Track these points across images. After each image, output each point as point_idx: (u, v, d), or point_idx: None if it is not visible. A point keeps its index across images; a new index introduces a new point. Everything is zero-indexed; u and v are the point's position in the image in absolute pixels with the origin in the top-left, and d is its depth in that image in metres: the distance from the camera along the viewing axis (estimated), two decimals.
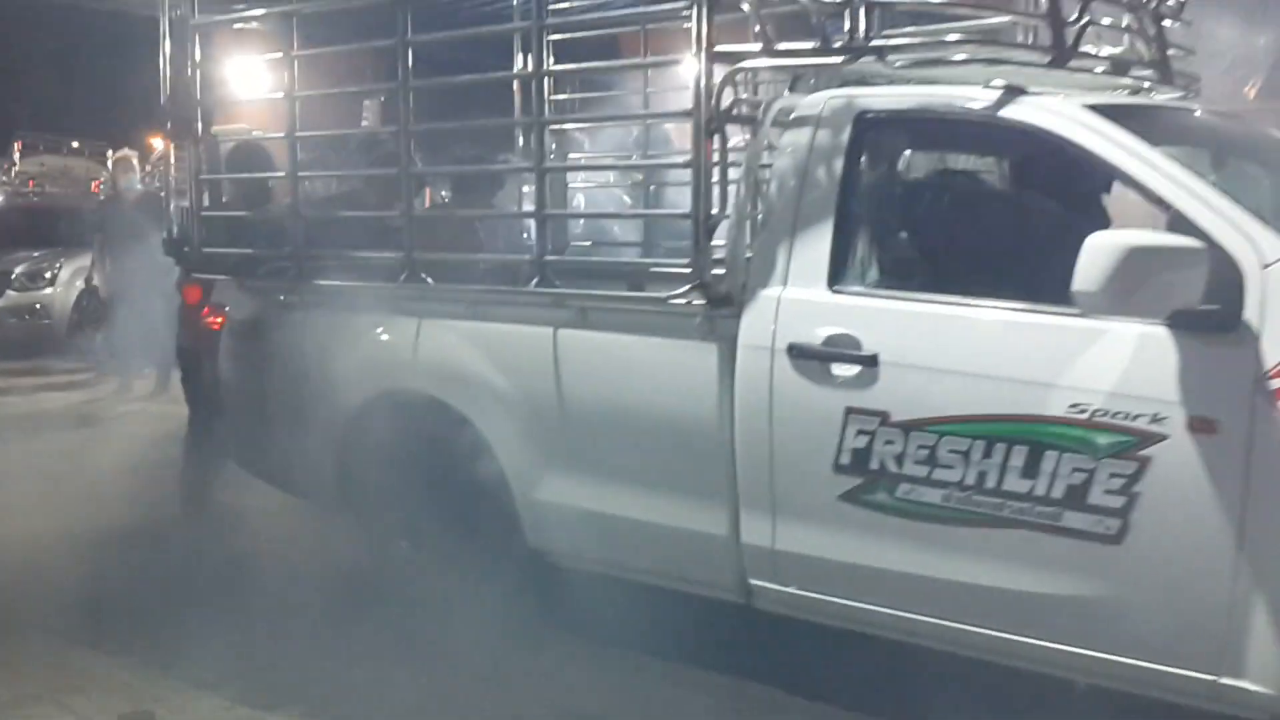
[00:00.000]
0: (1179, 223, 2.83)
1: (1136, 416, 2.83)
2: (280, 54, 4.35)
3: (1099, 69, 3.62)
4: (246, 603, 4.16)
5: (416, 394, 4.15)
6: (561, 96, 4.92)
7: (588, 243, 4.99)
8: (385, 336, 4.26)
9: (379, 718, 3.47)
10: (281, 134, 4.44)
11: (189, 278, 4.94)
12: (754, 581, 3.55)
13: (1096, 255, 2.70)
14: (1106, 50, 3.97)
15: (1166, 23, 3.91)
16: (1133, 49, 3.89)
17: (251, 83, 5.51)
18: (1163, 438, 2.80)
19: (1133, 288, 2.70)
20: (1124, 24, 3.88)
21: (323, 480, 4.41)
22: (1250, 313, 2.74)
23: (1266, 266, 2.75)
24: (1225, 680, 2.80)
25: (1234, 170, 3.49)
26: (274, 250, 4.49)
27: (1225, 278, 2.75)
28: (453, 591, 4.04)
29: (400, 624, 3.97)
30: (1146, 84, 3.84)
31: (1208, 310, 2.75)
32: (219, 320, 4.92)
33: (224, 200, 5.08)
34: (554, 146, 4.87)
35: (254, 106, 4.87)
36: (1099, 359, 2.90)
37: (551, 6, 4.50)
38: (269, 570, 4.41)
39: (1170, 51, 3.98)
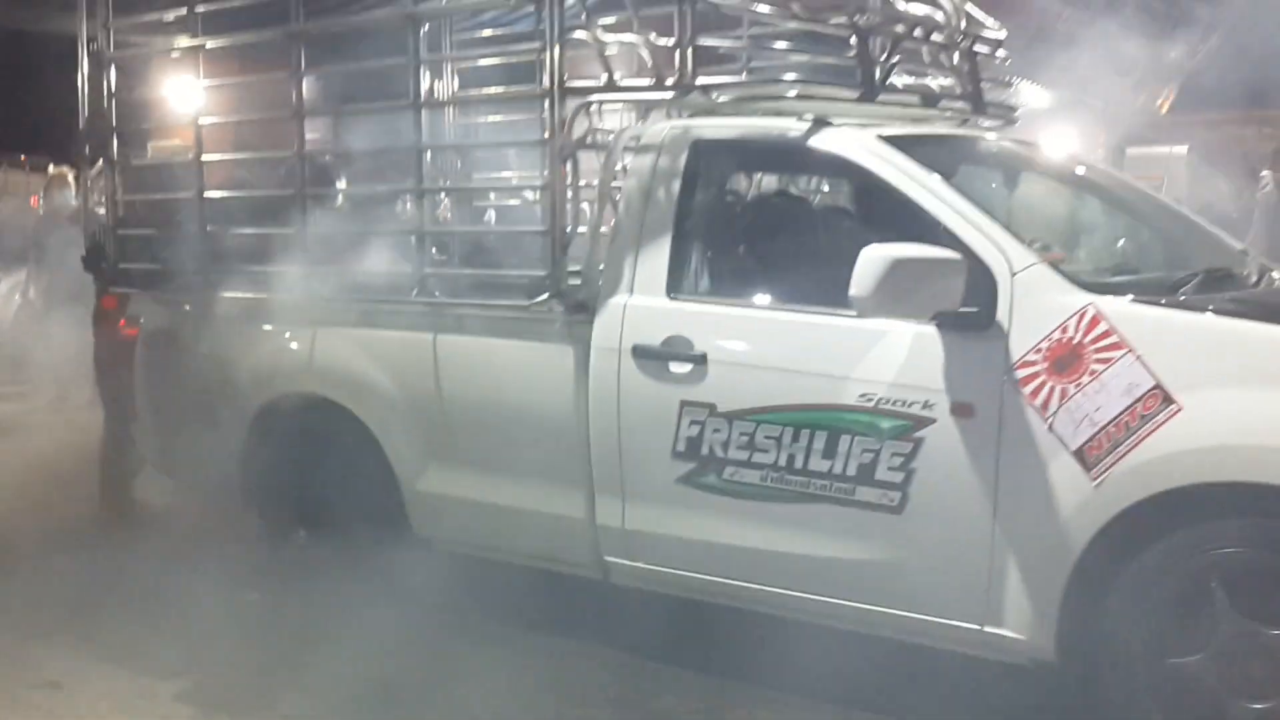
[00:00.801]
0: (945, 237, 3.30)
1: (911, 403, 3.28)
2: (191, 81, 4.76)
3: (910, 102, 4.10)
4: (156, 591, 4.50)
5: (312, 396, 4.55)
6: (465, 121, 5.38)
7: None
8: (283, 344, 4.65)
9: (265, 687, 3.80)
10: (190, 156, 4.84)
11: (106, 290, 5.29)
12: (609, 559, 3.96)
13: (868, 265, 3.16)
14: (933, 81, 4.49)
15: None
16: (954, 82, 4.39)
17: (168, 106, 5.85)
18: (932, 421, 3.26)
19: (900, 293, 3.16)
20: (938, 60, 4.37)
21: (228, 478, 4.78)
22: (1002, 314, 3.20)
23: (1015, 274, 3.22)
24: (989, 629, 3.25)
25: (1021, 188, 3.97)
26: (182, 265, 4.87)
27: (982, 284, 3.22)
28: (346, 577, 4.41)
29: (294, 606, 4.33)
30: (955, 114, 4.32)
31: (967, 312, 3.22)
32: (133, 330, 5.27)
33: (140, 217, 5.43)
34: (459, 166, 5.33)
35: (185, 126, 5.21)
36: (882, 355, 3.35)
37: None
38: (178, 562, 4.74)
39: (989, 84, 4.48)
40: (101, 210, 5.29)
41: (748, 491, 3.58)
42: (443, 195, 4.92)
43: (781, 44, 4.50)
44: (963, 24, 4.61)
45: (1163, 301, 3.18)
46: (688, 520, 3.72)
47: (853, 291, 3.19)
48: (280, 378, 4.64)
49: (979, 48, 4.47)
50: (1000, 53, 4.66)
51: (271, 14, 4.50)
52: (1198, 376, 2.96)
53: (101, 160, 5.14)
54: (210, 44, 4.71)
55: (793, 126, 3.70)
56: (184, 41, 4.78)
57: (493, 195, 5.13)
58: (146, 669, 3.91)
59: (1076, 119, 17.05)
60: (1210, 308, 3.16)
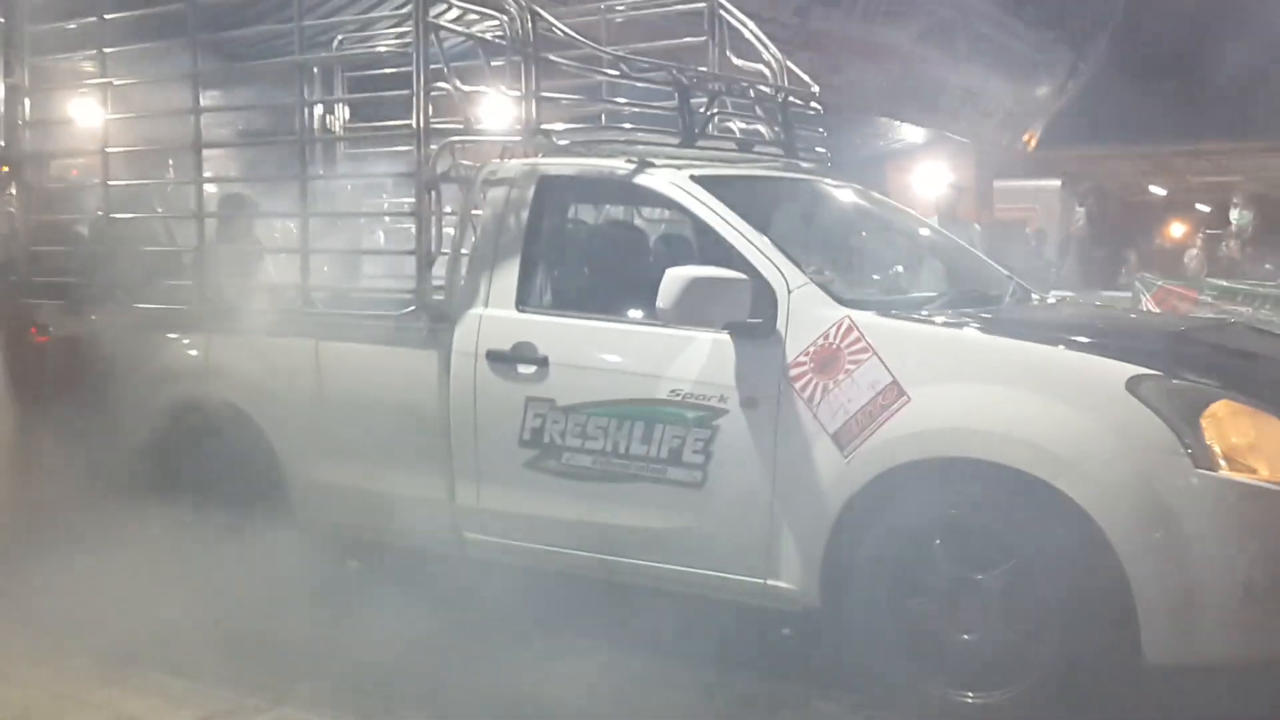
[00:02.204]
0: (737, 260, 4.02)
1: (710, 397, 3.98)
2: (99, 113, 5.33)
3: (728, 147, 4.84)
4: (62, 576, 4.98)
5: (211, 398, 5.13)
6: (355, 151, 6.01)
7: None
8: (184, 351, 5.22)
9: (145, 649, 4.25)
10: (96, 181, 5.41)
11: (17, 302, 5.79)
12: (467, 535, 4.58)
13: (670, 283, 3.87)
14: (763, 128, 5.24)
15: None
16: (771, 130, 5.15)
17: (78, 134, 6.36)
18: (726, 412, 3.96)
19: (697, 307, 3.87)
20: (757, 111, 5.13)
21: (136, 474, 5.31)
22: (780, 324, 3.93)
23: (791, 291, 3.95)
24: (770, 582, 3.95)
25: (816, 220, 4.71)
26: (89, 279, 5.42)
27: (765, 299, 3.95)
28: (233, 557, 4.94)
29: (193, 583, 4.85)
30: (770, 158, 5.07)
31: (753, 322, 3.94)
32: (44, 339, 5.79)
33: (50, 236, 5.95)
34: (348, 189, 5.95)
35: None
36: (687, 358, 4.05)
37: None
38: (91, 551, 5.21)
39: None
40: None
41: (582, 473, 4.23)
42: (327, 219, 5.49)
43: (620, 96, 5.21)
44: (784, 81, 5.40)
45: (901, 315, 3.93)
46: (533, 499, 4.36)
47: (659, 305, 3.89)
48: (182, 382, 5.20)
49: (795, 100, 5.25)
50: (814, 105, 5.43)
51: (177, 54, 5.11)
52: (924, 374, 3.70)
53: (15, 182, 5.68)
54: (117, 82, 5.28)
55: (620, 166, 4.40)
56: (92, 80, 5.35)
57: (387, 219, 5.75)
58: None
59: (947, 154, 18.16)
60: (939, 320, 3.93)
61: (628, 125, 4.89)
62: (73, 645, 4.25)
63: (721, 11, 5.69)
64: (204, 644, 4.23)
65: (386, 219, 6.05)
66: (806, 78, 5.55)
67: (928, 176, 16.27)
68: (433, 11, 4.46)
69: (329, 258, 5.26)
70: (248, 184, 5.36)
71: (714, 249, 4.13)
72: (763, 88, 5.14)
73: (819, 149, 5.40)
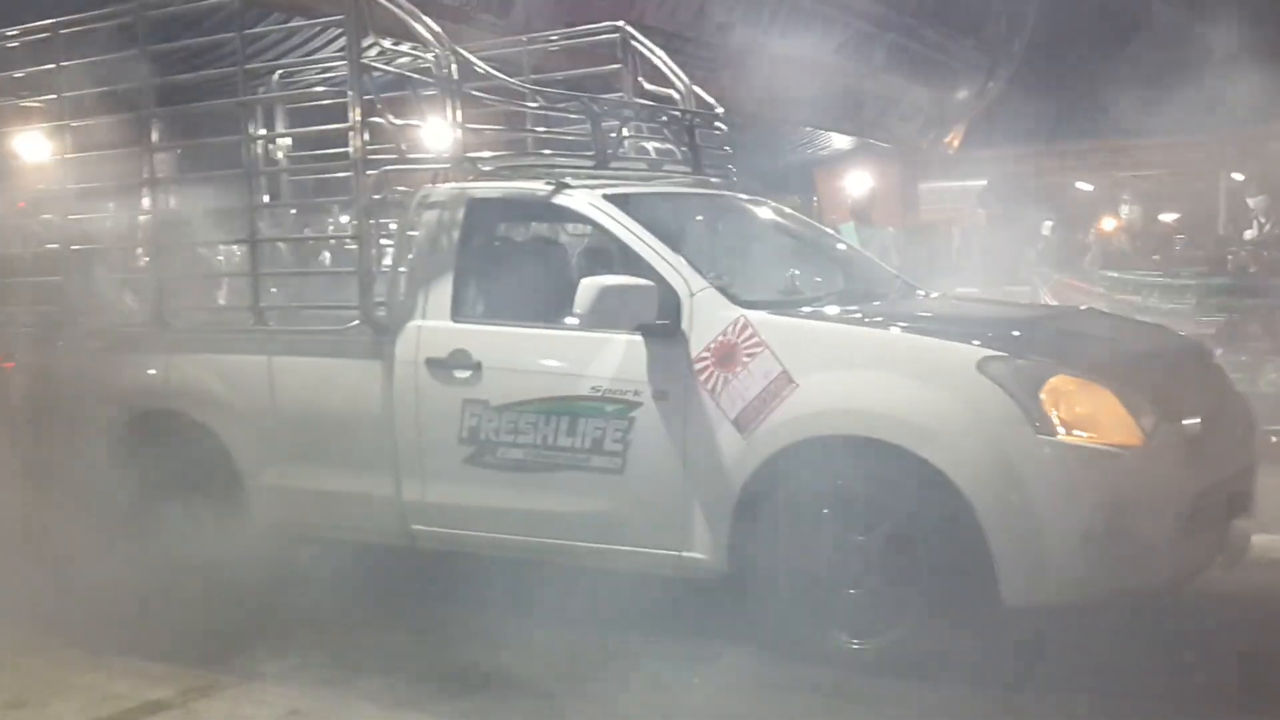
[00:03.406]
0: (645, 268, 4.53)
1: (625, 392, 4.47)
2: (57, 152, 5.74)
3: (639, 166, 5.35)
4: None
5: (169, 411, 5.55)
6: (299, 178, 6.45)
7: None
8: (143, 368, 5.64)
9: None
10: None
11: None
12: (415, 527, 5.03)
13: (585, 291, 4.36)
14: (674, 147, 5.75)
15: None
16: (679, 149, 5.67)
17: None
18: (640, 404, 4.45)
19: (609, 311, 4.37)
20: (665, 132, 5.65)
21: (95, 485, 5.71)
22: (685, 324, 4.43)
23: (693, 295, 4.45)
24: (684, 554, 4.44)
25: (720, 230, 5.23)
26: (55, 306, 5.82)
27: (670, 302, 4.45)
28: (188, 563, 5.33)
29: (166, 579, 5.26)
30: (680, 175, 5.59)
31: (661, 324, 4.44)
32: (10, 364, 6.18)
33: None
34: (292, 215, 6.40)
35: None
36: (605, 357, 4.54)
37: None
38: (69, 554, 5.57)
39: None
40: None
41: (515, 465, 4.70)
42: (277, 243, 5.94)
43: (540, 123, 5.72)
44: (691, 104, 5.93)
45: (789, 312, 4.45)
46: (473, 492, 4.82)
47: (575, 310, 4.39)
48: (143, 397, 5.62)
49: (700, 122, 5.77)
50: (719, 125, 5.95)
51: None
52: (809, 363, 4.22)
53: None
54: (75, 123, 5.70)
55: (540, 188, 4.89)
56: (49, 122, 5.77)
57: (333, 241, 6.20)
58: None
59: (873, 159, 18.85)
60: (822, 316, 4.46)
61: (547, 151, 5.38)
62: (59, 638, 4.66)
63: (633, 42, 6.21)
64: (179, 631, 4.66)
65: (331, 241, 6.52)
66: (711, 100, 6.07)
67: (855, 181, 16.92)
68: (366, 51, 4.94)
69: (278, 278, 5.68)
70: (197, 212, 5.76)
71: (625, 259, 4.64)
72: (672, 111, 5.64)
73: (728, 165, 5.93)
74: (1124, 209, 10.88)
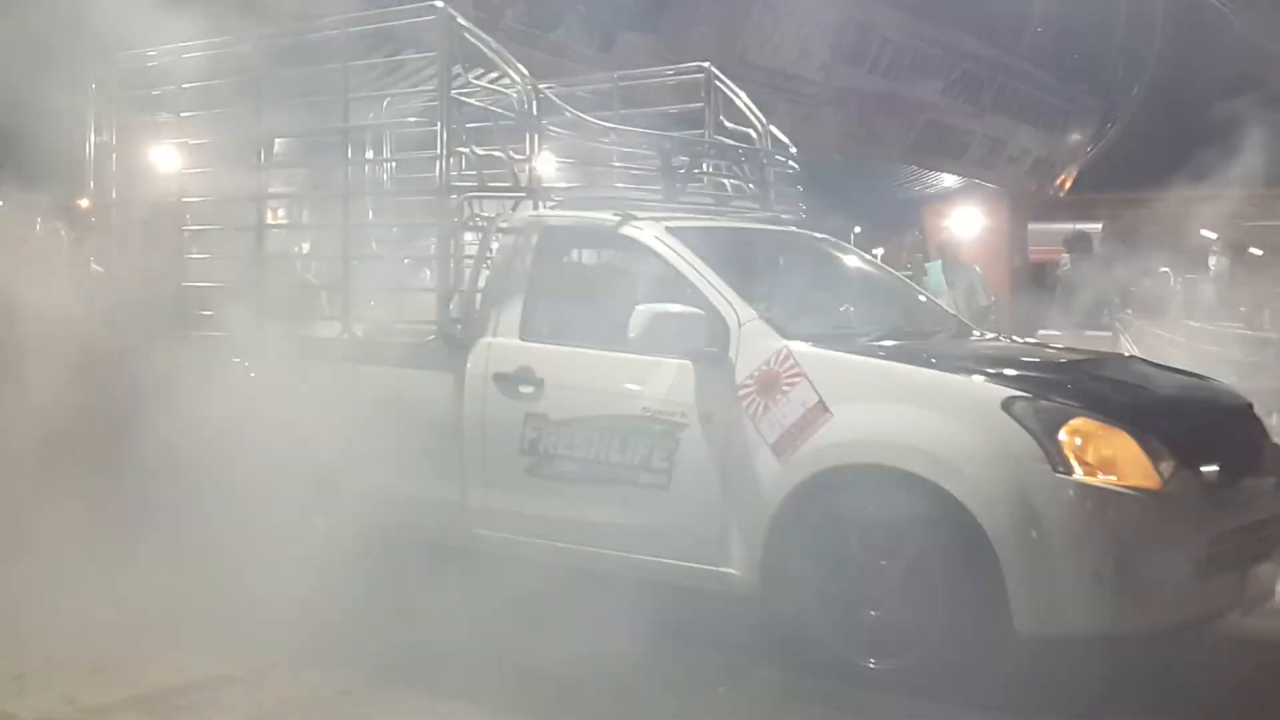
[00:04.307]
0: (698, 298, 4.80)
1: (673, 413, 4.75)
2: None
3: (706, 201, 5.64)
4: None
5: None
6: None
7: None
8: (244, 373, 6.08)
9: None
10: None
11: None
12: (478, 531, 5.37)
13: (638, 317, 4.66)
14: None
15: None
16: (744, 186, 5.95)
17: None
18: (686, 425, 4.72)
19: (661, 337, 4.66)
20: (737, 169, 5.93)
21: None
22: (732, 352, 4.70)
23: (741, 325, 4.72)
24: (721, 569, 4.69)
25: (779, 265, 5.48)
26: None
27: (720, 331, 4.72)
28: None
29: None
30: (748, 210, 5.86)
31: (710, 350, 4.71)
32: None
33: None
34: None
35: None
36: (656, 379, 4.82)
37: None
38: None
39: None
40: None
41: (570, 477, 5.00)
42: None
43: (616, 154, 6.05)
44: (767, 144, 6.20)
45: (830, 345, 4.68)
46: (531, 500, 5.13)
47: (630, 335, 4.68)
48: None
49: (772, 161, 6.05)
50: (793, 164, 6.22)
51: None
52: (844, 394, 4.45)
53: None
54: (192, 142, 6.21)
55: (607, 219, 5.21)
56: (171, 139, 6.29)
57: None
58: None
59: (981, 199, 18.79)
60: (860, 350, 4.68)
61: (619, 183, 5.70)
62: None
63: (716, 82, 6.52)
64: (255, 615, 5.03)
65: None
66: (786, 140, 6.34)
67: (958, 220, 16.96)
68: (454, 86, 5.32)
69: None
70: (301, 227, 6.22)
71: (681, 289, 4.92)
72: (744, 148, 5.93)
73: (799, 203, 6.18)
74: (1212, 260, 10.79)
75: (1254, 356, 8.27)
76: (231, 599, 5.20)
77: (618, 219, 5.17)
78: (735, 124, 6.48)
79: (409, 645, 4.81)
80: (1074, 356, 5.15)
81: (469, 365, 5.31)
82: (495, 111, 5.35)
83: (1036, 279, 16.46)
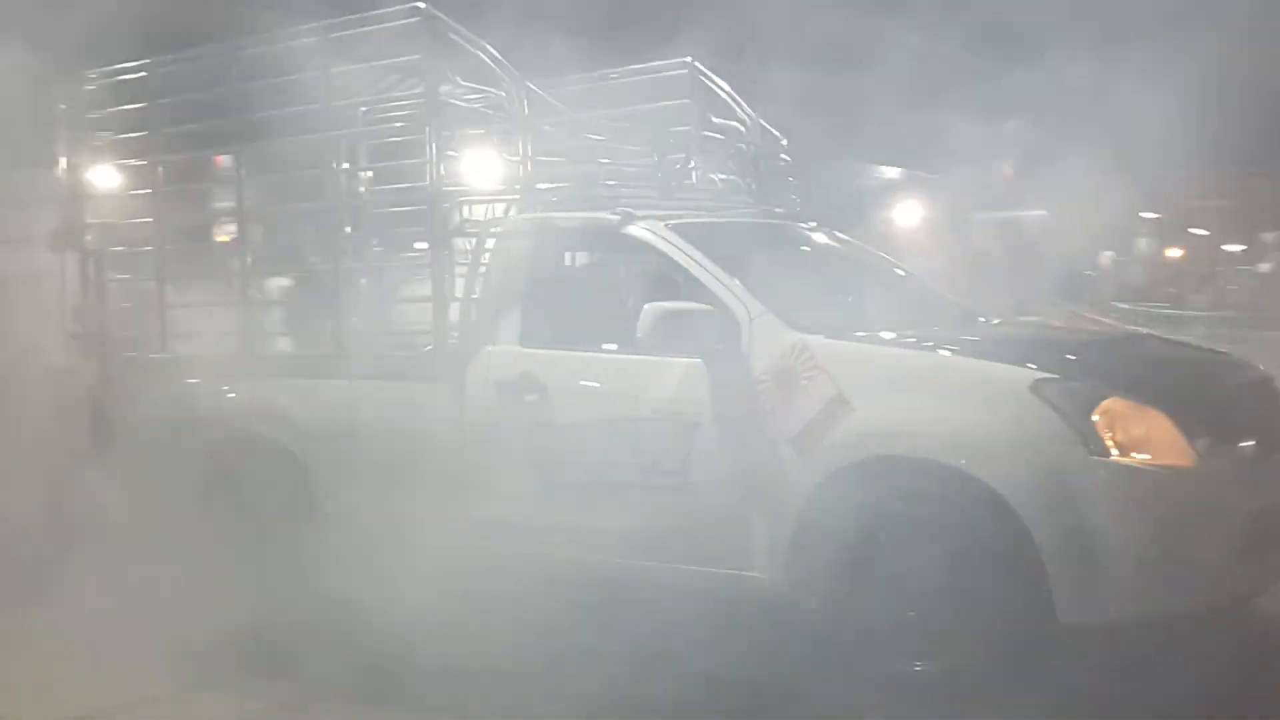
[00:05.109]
0: (706, 294, 4.66)
1: (685, 413, 4.61)
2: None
3: (703, 197, 5.51)
4: None
5: (259, 435, 5.79)
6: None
7: None
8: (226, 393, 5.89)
9: None
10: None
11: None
12: (483, 542, 5.20)
13: (647, 316, 4.52)
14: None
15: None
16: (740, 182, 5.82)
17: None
18: (699, 425, 4.58)
19: (671, 335, 4.51)
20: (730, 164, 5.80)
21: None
22: (745, 348, 4.56)
23: (752, 320, 4.58)
24: (745, 573, 4.55)
25: (780, 258, 5.35)
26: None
27: (730, 327, 4.58)
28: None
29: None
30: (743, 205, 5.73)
31: (720, 347, 4.57)
32: None
33: None
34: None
35: None
36: (666, 380, 4.67)
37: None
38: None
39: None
40: None
41: (579, 485, 4.85)
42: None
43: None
44: (756, 137, 6.07)
45: (846, 337, 4.55)
46: (540, 510, 4.97)
47: (638, 335, 4.54)
48: (227, 421, 5.88)
49: (765, 155, 5.92)
50: (784, 157, 6.09)
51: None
52: (865, 386, 4.31)
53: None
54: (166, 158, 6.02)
55: (606, 218, 5.05)
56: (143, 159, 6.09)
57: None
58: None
59: (924, 189, 18.81)
60: (878, 340, 4.56)
61: (611, 181, 5.55)
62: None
63: (700, 78, 6.38)
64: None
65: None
66: (776, 133, 6.21)
67: (905, 211, 17.23)
68: (441, 89, 5.16)
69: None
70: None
71: (687, 286, 4.77)
72: (739, 145, 5.80)
73: (792, 195, 6.06)
74: (1139, 241, 10.75)
75: (1181, 337, 8.22)
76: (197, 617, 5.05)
77: (618, 218, 5.02)
78: (722, 118, 6.35)
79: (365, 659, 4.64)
80: (1089, 337, 5.05)
81: (470, 375, 5.15)
82: (485, 114, 5.19)
83: (976, 267, 16.52)
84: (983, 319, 5.47)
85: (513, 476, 5.03)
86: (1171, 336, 5.33)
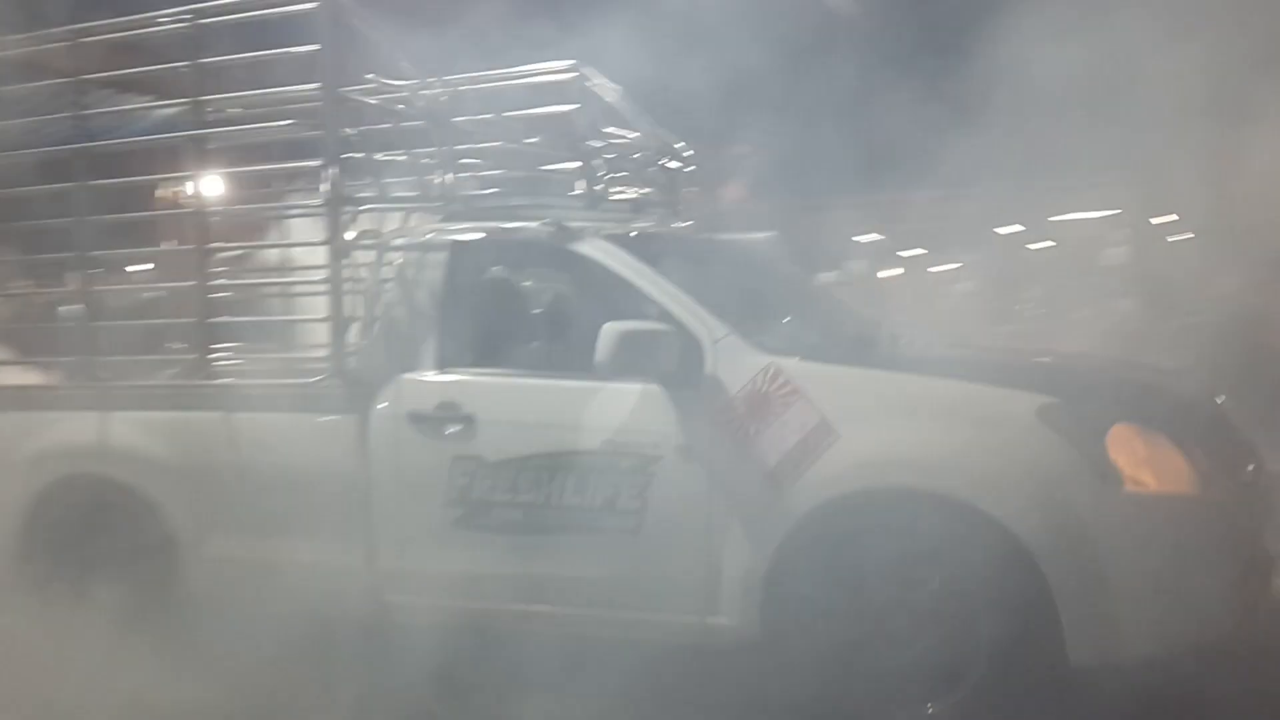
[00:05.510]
0: (659, 314, 4.24)
1: (642, 445, 4.17)
2: None
3: (625, 208, 5.09)
4: None
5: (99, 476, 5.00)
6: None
7: None
8: (69, 426, 5.08)
9: None
10: None
11: None
12: (389, 598, 4.61)
13: (606, 337, 4.06)
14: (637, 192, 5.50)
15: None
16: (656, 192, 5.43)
17: None
18: (660, 458, 4.16)
19: (631, 358, 4.07)
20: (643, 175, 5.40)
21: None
22: (708, 372, 4.16)
23: (715, 341, 4.19)
24: (710, 619, 4.14)
25: (710, 272, 4.98)
26: None
27: (691, 350, 4.17)
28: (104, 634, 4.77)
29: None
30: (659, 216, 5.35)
31: (682, 371, 4.16)
32: None
33: None
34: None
35: None
36: (619, 408, 4.22)
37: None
38: None
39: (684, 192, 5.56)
40: None
41: (515, 527, 4.34)
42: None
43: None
44: (654, 144, 5.70)
45: (824, 359, 4.23)
46: (464, 557, 4.43)
47: (596, 359, 4.08)
48: (67, 460, 5.06)
49: (672, 165, 5.55)
50: (689, 168, 5.74)
51: None
52: (851, 412, 3.99)
53: None
54: None
55: (540, 230, 4.56)
56: None
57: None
58: None
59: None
60: (859, 363, 4.25)
61: (529, 192, 5.07)
62: None
63: (589, 83, 5.96)
64: None
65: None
66: (679, 142, 5.86)
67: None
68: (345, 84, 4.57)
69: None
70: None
71: (636, 305, 4.34)
72: (668, 154, 5.43)
73: (705, 207, 5.72)
74: (851, 264, 11.01)
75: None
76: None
77: (551, 229, 4.55)
78: (616, 127, 5.95)
79: None
80: (1052, 358, 4.88)
81: (376, 406, 4.57)
82: (396, 111, 4.63)
83: None
84: (905, 339, 5.24)
85: (427, 520, 4.48)
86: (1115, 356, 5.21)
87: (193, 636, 4.69)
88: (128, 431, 4.99)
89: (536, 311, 4.84)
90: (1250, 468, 4.05)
